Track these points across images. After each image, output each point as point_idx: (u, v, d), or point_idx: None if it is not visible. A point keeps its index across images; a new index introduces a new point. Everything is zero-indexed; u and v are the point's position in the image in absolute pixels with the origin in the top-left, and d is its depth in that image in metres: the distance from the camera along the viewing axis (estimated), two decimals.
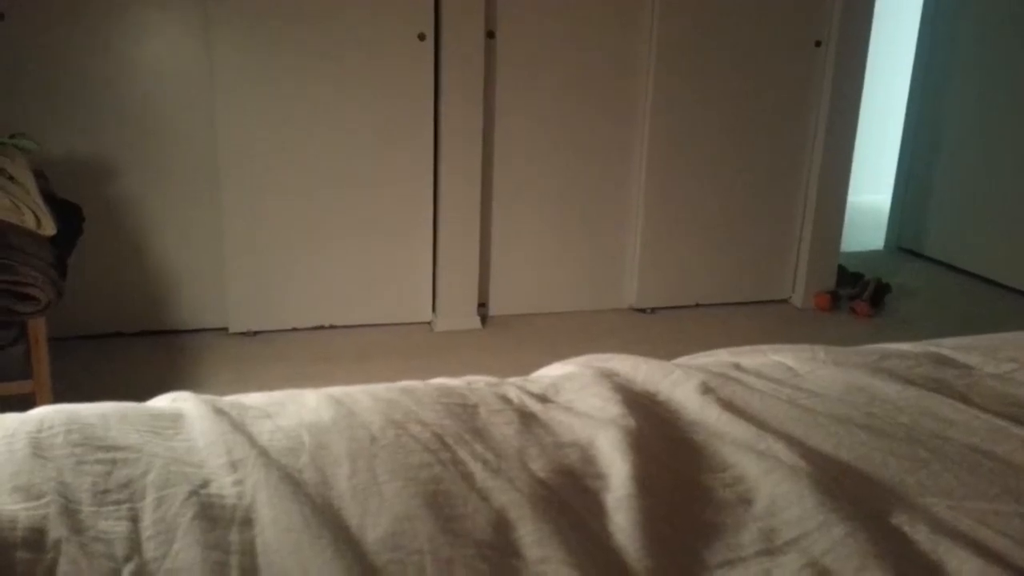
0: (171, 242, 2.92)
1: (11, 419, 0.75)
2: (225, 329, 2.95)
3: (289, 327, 3.01)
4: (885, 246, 4.40)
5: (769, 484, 0.74)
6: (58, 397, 2.29)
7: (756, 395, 0.90)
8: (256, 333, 2.97)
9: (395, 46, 2.91)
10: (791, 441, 0.81)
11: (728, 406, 0.87)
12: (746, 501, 0.72)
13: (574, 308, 3.32)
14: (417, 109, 2.98)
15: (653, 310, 3.36)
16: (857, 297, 3.39)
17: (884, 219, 4.47)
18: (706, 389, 0.89)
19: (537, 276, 3.28)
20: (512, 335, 3.11)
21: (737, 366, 0.98)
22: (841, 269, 3.52)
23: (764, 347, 1.05)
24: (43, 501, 0.63)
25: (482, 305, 3.21)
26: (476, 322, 3.14)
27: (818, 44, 3.26)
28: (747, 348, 1.06)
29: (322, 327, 3.05)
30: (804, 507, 0.71)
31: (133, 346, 2.84)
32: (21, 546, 0.58)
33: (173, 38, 2.81)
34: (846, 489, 0.74)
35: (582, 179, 3.24)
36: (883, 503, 0.73)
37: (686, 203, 3.32)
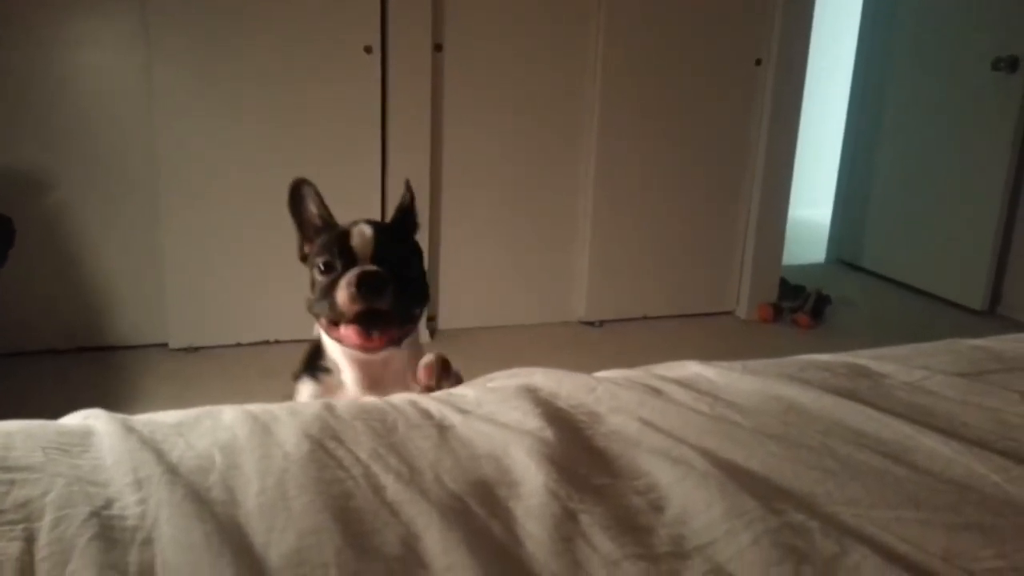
0: (109, 256, 2.86)
1: None
2: (165, 344, 2.89)
3: (232, 342, 2.96)
4: (825, 259, 4.52)
5: (681, 492, 0.75)
6: None
7: (674, 406, 0.91)
8: (198, 349, 2.92)
9: (341, 58, 2.90)
10: (705, 451, 0.83)
11: (647, 418, 0.88)
12: (658, 508, 0.74)
13: (523, 321, 3.34)
14: (364, 122, 2.97)
15: (602, 323, 3.40)
16: (799, 309, 3.48)
17: (824, 233, 4.59)
18: (626, 402, 0.91)
19: (486, 289, 3.29)
20: (461, 349, 3.10)
21: (660, 378, 1.00)
22: (783, 282, 3.61)
23: (687, 361, 1.07)
24: None
25: (431, 319, 3.21)
26: (425, 335, 3.13)
27: (758, 63, 3.35)
28: (675, 363, 1.07)
29: (267, 342, 3.01)
30: (712, 515, 0.72)
31: (68, 363, 2.76)
32: None
33: (112, 50, 2.76)
34: (756, 497, 0.76)
35: (531, 193, 3.26)
36: (791, 511, 0.75)
37: (633, 217, 3.37)
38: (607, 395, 0.93)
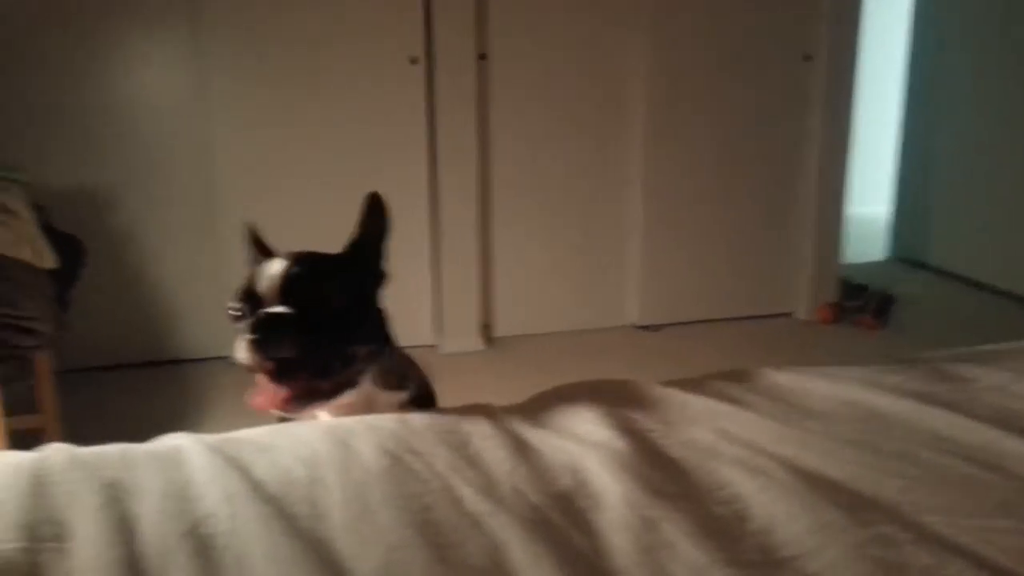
0: (171, 271, 2.94)
1: (13, 456, 0.76)
2: (227, 357, 2.96)
3: None
4: (885, 256, 4.40)
5: (763, 503, 0.74)
6: (66, 430, 2.30)
7: (749, 414, 0.90)
8: None
9: (387, 70, 2.95)
10: (784, 460, 0.81)
11: (722, 427, 0.87)
12: (741, 518, 0.73)
13: (577, 327, 3.33)
14: (411, 132, 3.00)
15: (656, 327, 3.36)
16: (862, 309, 3.39)
17: (881, 230, 4.47)
18: (699, 411, 0.90)
19: (539, 295, 3.29)
20: (516, 356, 3.11)
21: (730, 385, 0.99)
22: (845, 281, 3.52)
23: (761, 369, 1.05)
24: (44, 545, 0.63)
25: (486, 326, 3.22)
26: (480, 343, 3.15)
27: (807, 58, 3.29)
28: (744, 369, 1.06)
29: None
30: (798, 527, 0.71)
31: (139, 377, 2.85)
32: None
33: (167, 69, 2.85)
34: (841, 508, 0.74)
35: (581, 196, 3.25)
36: (879, 523, 0.73)
37: (686, 218, 3.33)
38: (678, 404, 0.92)
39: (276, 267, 0.93)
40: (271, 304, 0.91)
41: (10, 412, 2.09)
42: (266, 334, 0.87)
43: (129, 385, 2.78)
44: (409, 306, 3.14)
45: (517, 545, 0.67)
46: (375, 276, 1.00)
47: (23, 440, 0.82)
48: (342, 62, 2.91)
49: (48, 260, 2.06)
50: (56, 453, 0.78)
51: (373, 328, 0.97)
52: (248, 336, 0.87)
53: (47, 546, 0.64)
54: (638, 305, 3.35)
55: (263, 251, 1.04)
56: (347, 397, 0.91)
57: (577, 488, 0.76)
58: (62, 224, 2.33)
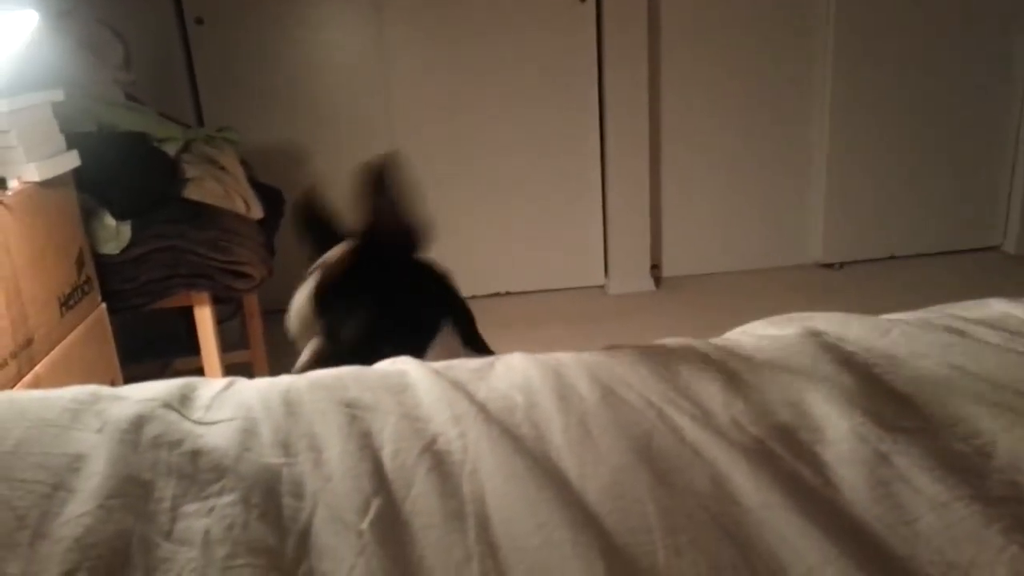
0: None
1: (262, 382, 0.85)
2: None
3: (468, 295, 3.13)
4: None
5: (1010, 440, 0.69)
6: (271, 364, 2.54)
7: (987, 348, 0.83)
8: None
9: (556, 10, 2.91)
10: None
11: (956, 362, 0.81)
12: (985, 455, 0.68)
13: (753, 266, 3.21)
14: (581, 75, 2.97)
15: (842, 265, 3.17)
16: None
17: None
18: (928, 345, 0.84)
19: (711, 234, 3.20)
20: (687, 297, 3.05)
21: (961, 319, 0.91)
22: None
23: (990, 300, 0.96)
24: (300, 458, 0.71)
25: (655, 267, 3.18)
26: (650, 284, 3.12)
27: None
28: (973, 302, 0.98)
29: (498, 294, 3.15)
30: None
31: None
32: (287, 495, 0.66)
33: (349, 31, 2.98)
34: None
35: (757, 125, 3.10)
36: None
37: (875, 143, 3.08)
38: (904, 338, 0.87)
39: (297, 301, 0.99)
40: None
41: (225, 349, 2.34)
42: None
43: None
44: (577, 246, 3.15)
45: (741, 474, 0.67)
46: (405, 248, 0.99)
47: (236, 373, 0.91)
48: (511, 5, 2.91)
49: (256, 211, 2.26)
50: (298, 378, 0.86)
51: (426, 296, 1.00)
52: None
53: (304, 457, 0.71)
54: (821, 241, 3.17)
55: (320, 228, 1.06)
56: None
57: (798, 421, 0.74)
58: (263, 177, 2.53)
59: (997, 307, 0.95)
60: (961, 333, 0.87)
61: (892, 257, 3.18)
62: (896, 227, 3.15)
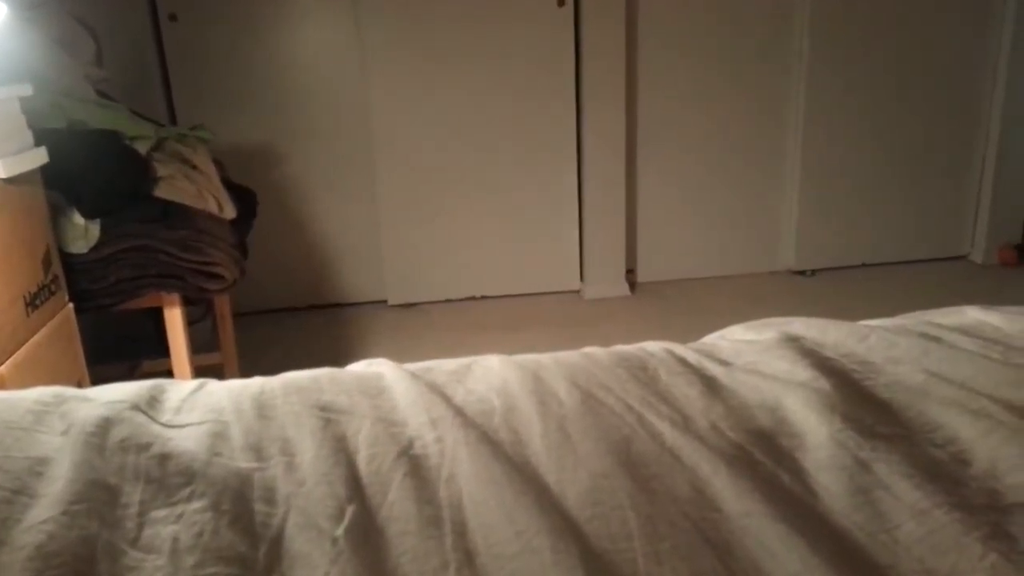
0: (332, 222, 3.09)
1: (234, 384, 0.83)
2: (384, 301, 3.10)
3: (443, 298, 3.12)
4: None
5: (986, 447, 0.69)
6: (243, 367, 2.51)
7: (962, 355, 0.84)
8: (413, 305, 3.10)
9: (535, 11, 2.91)
10: (1008, 404, 0.75)
11: (932, 368, 0.82)
12: (962, 462, 0.68)
13: (726, 272, 3.23)
14: (558, 76, 2.97)
15: (814, 272, 3.21)
16: None
17: None
18: (905, 351, 0.84)
19: (686, 240, 3.21)
20: (662, 302, 3.06)
21: (936, 326, 0.92)
22: None
23: (965, 307, 0.97)
24: (272, 463, 0.69)
25: (630, 272, 3.19)
26: (625, 289, 3.12)
27: None
28: (949, 309, 0.98)
29: (473, 298, 3.14)
30: None
31: (304, 319, 3.04)
32: (258, 500, 0.64)
33: (326, 29, 2.95)
34: None
35: (731, 133, 3.12)
36: None
37: (848, 154, 3.12)
38: (882, 344, 0.87)
39: None
40: None
41: (195, 350, 2.29)
42: None
43: (296, 326, 2.98)
44: (553, 251, 3.15)
45: (721, 480, 0.66)
46: None
47: (206, 376, 0.89)
48: (490, 5, 2.90)
49: (229, 211, 2.22)
50: (273, 380, 0.84)
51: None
52: None
53: (277, 462, 0.69)
54: (794, 249, 3.20)
55: None
56: None
57: (778, 427, 0.74)
58: (236, 177, 2.49)
59: (972, 314, 0.96)
60: (937, 340, 0.88)
61: (863, 265, 3.22)
62: (867, 236, 3.19)
